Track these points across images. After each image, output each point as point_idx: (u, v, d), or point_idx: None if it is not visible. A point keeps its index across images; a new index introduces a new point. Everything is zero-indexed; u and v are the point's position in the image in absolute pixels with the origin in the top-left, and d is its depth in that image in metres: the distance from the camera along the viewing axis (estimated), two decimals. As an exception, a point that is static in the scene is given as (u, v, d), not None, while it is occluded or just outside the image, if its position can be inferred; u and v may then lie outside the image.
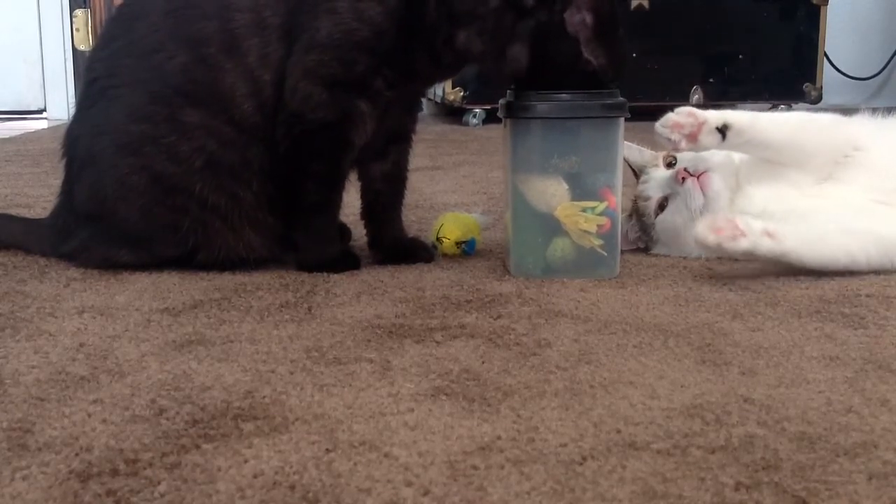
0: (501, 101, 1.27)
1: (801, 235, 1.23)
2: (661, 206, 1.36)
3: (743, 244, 1.20)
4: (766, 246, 1.21)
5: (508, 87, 1.27)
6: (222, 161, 1.23)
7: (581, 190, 1.22)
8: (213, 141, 1.23)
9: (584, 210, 1.22)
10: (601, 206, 1.22)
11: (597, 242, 1.23)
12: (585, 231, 1.22)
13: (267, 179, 1.26)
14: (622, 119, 1.23)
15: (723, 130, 1.28)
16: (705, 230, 1.20)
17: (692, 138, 1.25)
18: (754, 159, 1.35)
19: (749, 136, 1.29)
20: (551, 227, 1.23)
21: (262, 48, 1.23)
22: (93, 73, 1.31)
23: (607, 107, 1.22)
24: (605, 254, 1.24)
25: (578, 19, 1.18)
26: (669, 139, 1.27)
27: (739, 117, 1.30)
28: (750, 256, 1.23)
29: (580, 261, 1.24)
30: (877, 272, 1.25)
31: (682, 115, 1.26)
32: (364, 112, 1.24)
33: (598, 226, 1.23)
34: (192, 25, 1.25)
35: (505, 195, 1.35)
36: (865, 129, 1.36)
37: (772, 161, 1.33)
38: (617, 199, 1.24)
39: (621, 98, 1.23)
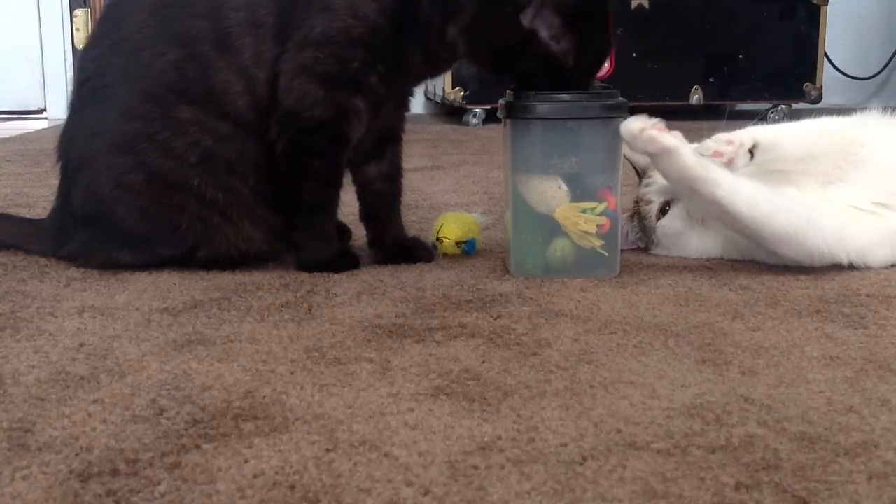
0: (501, 102, 1.27)
1: (740, 182, 1.21)
2: (663, 211, 1.36)
3: (668, 140, 1.17)
4: (691, 158, 1.18)
5: (507, 86, 1.27)
6: (218, 155, 1.23)
7: (581, 190, 1.22)
8: (209, 136, 1.23)
9: (583, 211, 1.22)
10: (600, 207, 1.22)
11: (597, 243, 1.23)
12: (585, 232, 1.22)
13: (263, 174, 1.26)
14: (622, 119, 1.23)
15: (752, 150, 1.27)
16: (633, 119, 1.18)
17: (731, 164, 1.25)
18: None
19: (774, 154, 1.29)
20: (551, 227, 1.23)
21: (256, 46, 1.23)
22: (83, 74, 1.31)
23: (607, 107, 1.22)
24: (606, 254, 1.24)
25: (534, 12, 1.18)
26: None
27: (766, 136, 1.29)
28: (671, 163, 1.20)
29: (580, 261, 1.24)
30: (866, 269, 1.25)
31: (721, 143, 1.25)
32: (360, 109, 1.24)
33: (598, 226, 1.23)
34: (183, 23, 1.24)
35: (505, 195, 1.35)
36: (871, 128, 1.36)
37: (785, 171, 1.32)
38: (616, 200, 1.24)
39: (621, 98, 1.23)
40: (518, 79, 1.24)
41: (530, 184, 1.23)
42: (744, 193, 1.21)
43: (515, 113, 1.23)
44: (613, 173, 1.23)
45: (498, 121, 1.29)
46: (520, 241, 1.25)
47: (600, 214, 1.23)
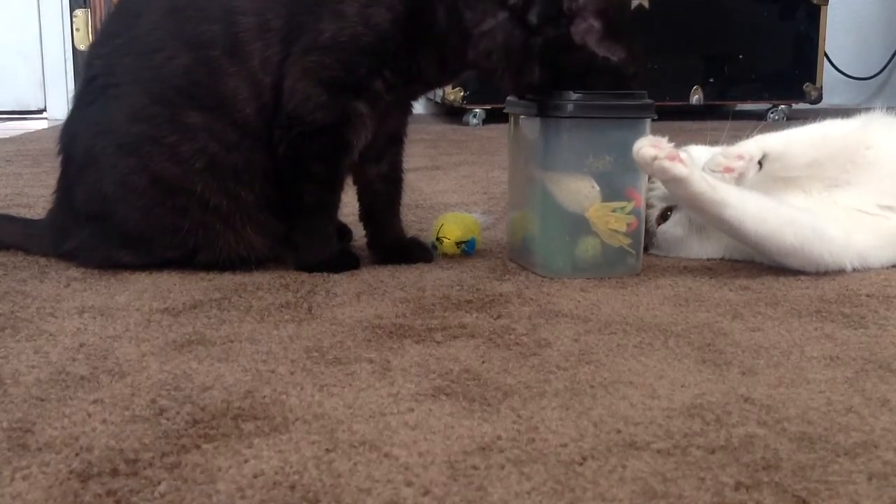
0: (510, 99, 1.28)
1: (748, 199, 1.22)
2: (664, 216, 1.37)
3: (679, 170, 1.17)
4: (700, 184, 1.19)
5: (522, 97, 1.27)
6: (224, 163, 1.23)
7: (610, 190, 1.23)
8: (216, 143, 1.23)
9: (614, 210, 1.23)
10: (630, 206, 1.23)
11: (625, 241, 1.24)
12: (615, 230, 1.23)
13: (269, 181, 1.26)
14: (649, 120, 1.24)
15: (761, 161, 1.28)
16: (646, 143, 1.18)
17: (741, 178, 1.26)
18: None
19: (782, 163, 1.30)
20: (579, 226, 1.23)
21: (264, 52, 1.22)
22: (92, 70, 1.30)
23: (641, 107, 1.23)
24: (634, 251, 1.25)
25: (584, 27, 1.18)
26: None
27: (774, 146, 1.30)
28: (681, 189, 1.20)
29: (607, 259, 1.25)
30: (853, 270, 1.26)
31: (731, 159, 1.26)
32: (363, 114, 1.24)
33: (627, 224, 1.23)
34: (195, 27, 1.24)
35: (515, 194, 1.35)
36: (877, 130, 1.36)
37: (793, 177, 1.33)
38: (642, 198, 1.26)
39: (649, 99, 1.24)
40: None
41: (563, 183, 1.23)
42: (751, 212, 1.22)
43: (550, 112, 1.23)
44: (639, 171, 1.24)
45: (497, 120, 1.30)
46: (547, 241, 1.25)
47: (629, 213, 1.23)
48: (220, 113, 1.23)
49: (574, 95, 1.20)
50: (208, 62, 1.23)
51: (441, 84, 1.37)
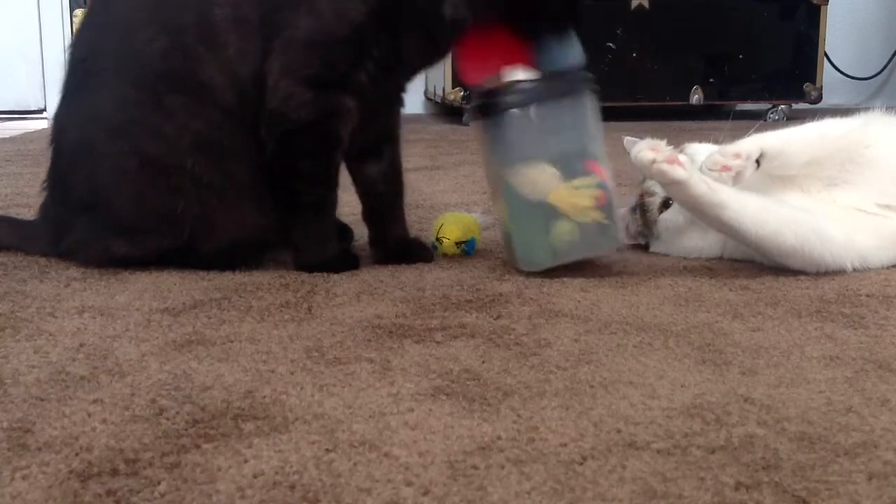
0: (470, 106, 1.28)
1: (747, 201, 1.22)
2: (666, 205, 1.37)
3: (678, 173, 1.18)
4: (699, 187, 1.19)
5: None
6: (210, 139, 1.22)
7: (569, 168, 1.22)
8: (199, 121, 1.22)
9: (577, 188, 1.22)
10: (593, 180, 1.22)
11: (598, 216, 1.23)
12: (584, 207, 1.22)
13: (260, 161, 1.24)
14: (589, 93, 1.24)
15: (758, 160, 1.28)
16: (644, 147, 1.18)
17: (739, 176, 1.26)
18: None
19: (780, 161, 1.30)
20: (549, 213, 1.22)
21: (240, 43, 1.22)
22: (76, 55, 1.30)
23: (574, 82, 1.23)
24: (610, 222, 1.24)
25: None
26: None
27: (772, 145, 1.30)
28: (681, 192, 1.21)
29: (585, 239, 1.23)
30: (852, 270, 1.26)
31: (728, 157, 1.26)
32: (349, 108, 1.23)
33: (595, 198, 1.22)
34: (171, 12, 1.24)
35: (492, 195, 1.35)
36: (876, 129, 1.36)
37: (791, 176, 1.33)
38: (606, 170, 1.24)
39: (586, 73, 1.24)
40: (530, 23, 1.23)
41: (519, 175, 1.23)
42: (750, 213, 1.22)
43: (488, 110, 1.23)
44: (594, 143, 1.24)
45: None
46: (522, 234, 1.25)
47: (596, 187, 1.22)
48: (199, 96, 1.22)
49: (505, 89, 1.20)
50: (184, 48, 1.22)
51: (428, 65, 1.35)
